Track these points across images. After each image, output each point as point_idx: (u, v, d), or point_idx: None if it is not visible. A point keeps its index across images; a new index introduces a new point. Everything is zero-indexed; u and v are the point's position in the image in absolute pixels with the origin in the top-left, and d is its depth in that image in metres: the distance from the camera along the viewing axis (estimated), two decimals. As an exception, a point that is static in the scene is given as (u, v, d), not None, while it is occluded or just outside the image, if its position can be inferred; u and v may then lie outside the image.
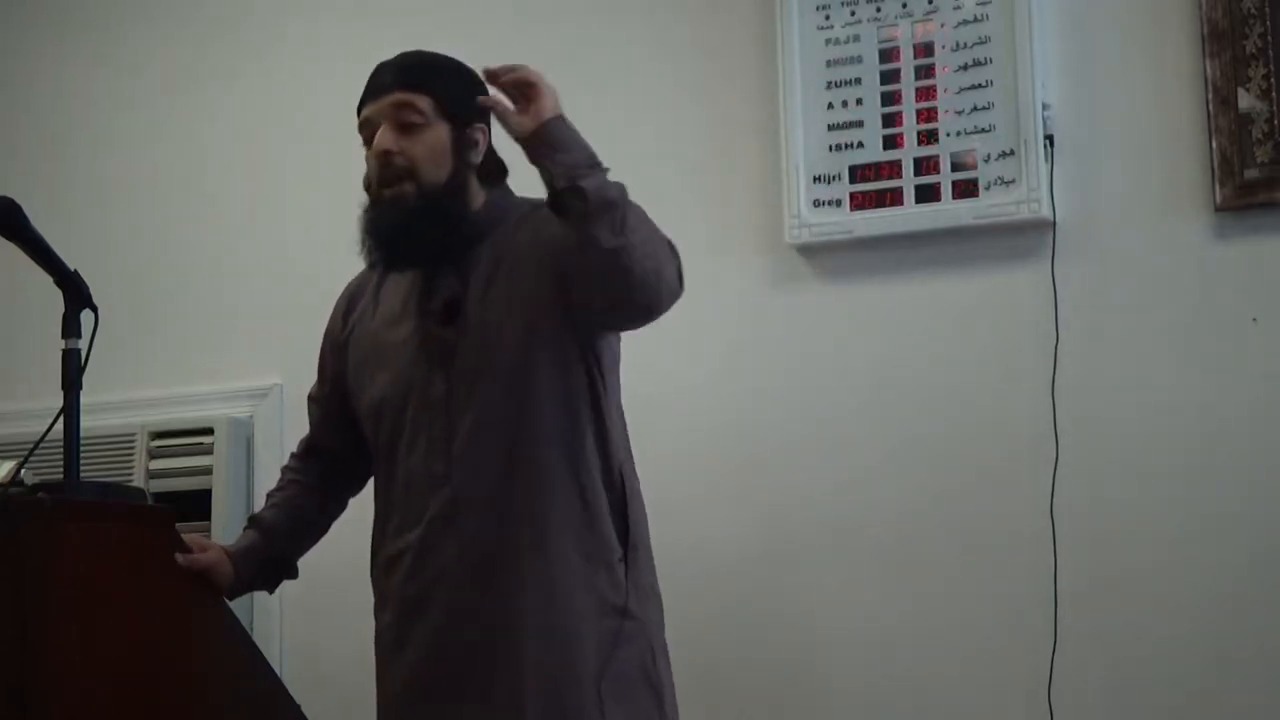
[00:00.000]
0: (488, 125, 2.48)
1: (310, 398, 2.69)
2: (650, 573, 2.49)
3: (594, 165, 2.27)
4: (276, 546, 2.60)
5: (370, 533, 2.53)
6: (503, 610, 2.35)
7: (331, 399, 2.62)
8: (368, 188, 2.48)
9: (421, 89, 2.45)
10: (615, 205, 2.24)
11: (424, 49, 2.54)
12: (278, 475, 2.70)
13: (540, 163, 2.27)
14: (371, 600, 2.45)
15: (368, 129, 2.47)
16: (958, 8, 3.18)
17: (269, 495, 2.67)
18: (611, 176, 2.28)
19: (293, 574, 2.65)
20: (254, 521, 2.62)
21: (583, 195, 2.22)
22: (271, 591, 2.67)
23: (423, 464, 2.42)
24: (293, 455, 2.70)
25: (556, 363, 2.40)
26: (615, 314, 2.36)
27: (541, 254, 2.40)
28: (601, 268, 2.25)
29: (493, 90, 2.34)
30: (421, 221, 2.42)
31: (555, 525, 2.37)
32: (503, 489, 2.38)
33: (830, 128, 3.27)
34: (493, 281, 2.43)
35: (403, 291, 2.51)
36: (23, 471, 2.46)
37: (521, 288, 2.41)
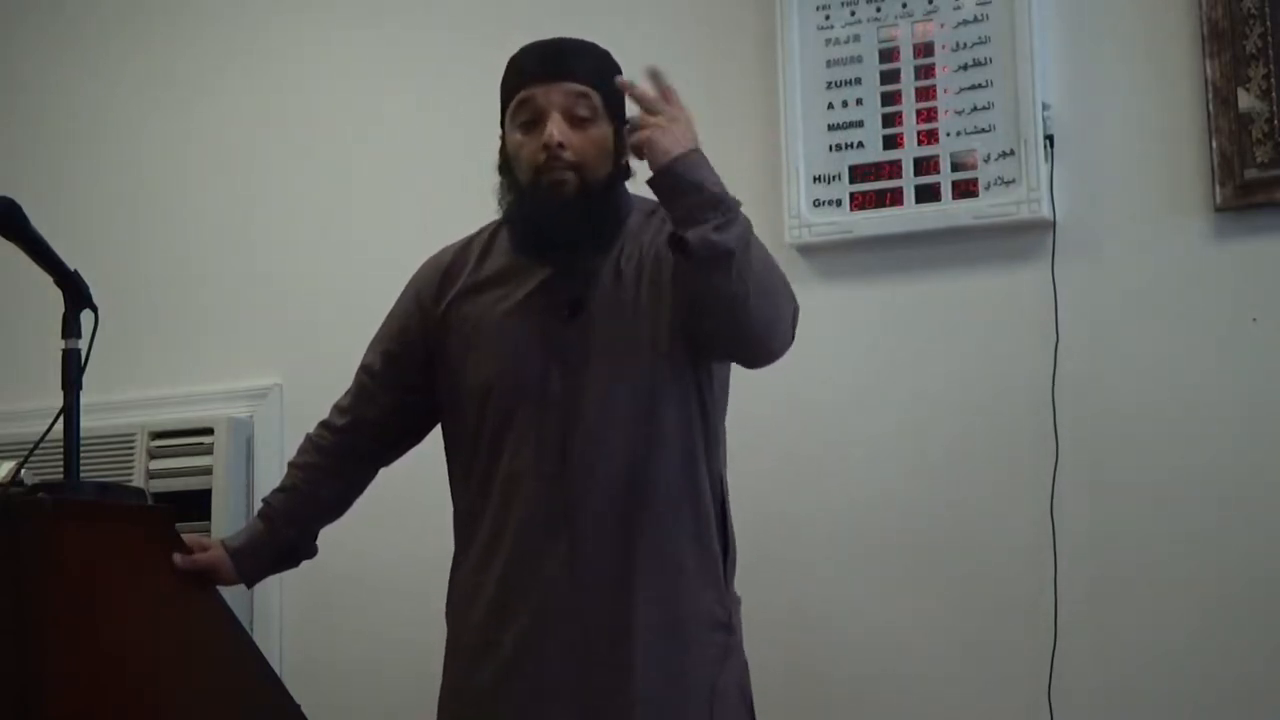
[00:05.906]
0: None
1: (363, 366, 2.59)
2: None
3: (718, 205, 2.20)
4: (283, 535, 2.57)
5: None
6: (611, 618, 2.30)
7: (390, 368, 2.55)
8: (521, 170, 2.40)
9: (594, 83, 2.39)
10: (732, 255, 2.18)
11: (580, 37, 2.51)
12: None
13: (665, 197, 2.23)
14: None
15: (529, 110, 2.39)
16: (958, 8, 3.18)
17: (289, 466, 2.62)
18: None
19: (309, 554, 2.62)
20: (263, 506, 2.59)
21: (700, 246, 2.17)
22: (297, 565, 2.64)
23: (531, 463, 2.35)
24: (321, 424, 2.62)
25: (675, 369, 2.36)
26: (728, 354, 2.37)
27: (665, 267, 2.35)
28: (716, 312, 2.24)
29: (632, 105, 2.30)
30: (578, 215, 2.36)
31: (671, 535, 2.33)
32: (620, 495, 2.33)
33: (830, 128, 3.26)
34: (620, 282, 2.38)
35: (515, 277, 2.44)
36: (23, 471, 2.46)
37: (646, 294, 2.37)
